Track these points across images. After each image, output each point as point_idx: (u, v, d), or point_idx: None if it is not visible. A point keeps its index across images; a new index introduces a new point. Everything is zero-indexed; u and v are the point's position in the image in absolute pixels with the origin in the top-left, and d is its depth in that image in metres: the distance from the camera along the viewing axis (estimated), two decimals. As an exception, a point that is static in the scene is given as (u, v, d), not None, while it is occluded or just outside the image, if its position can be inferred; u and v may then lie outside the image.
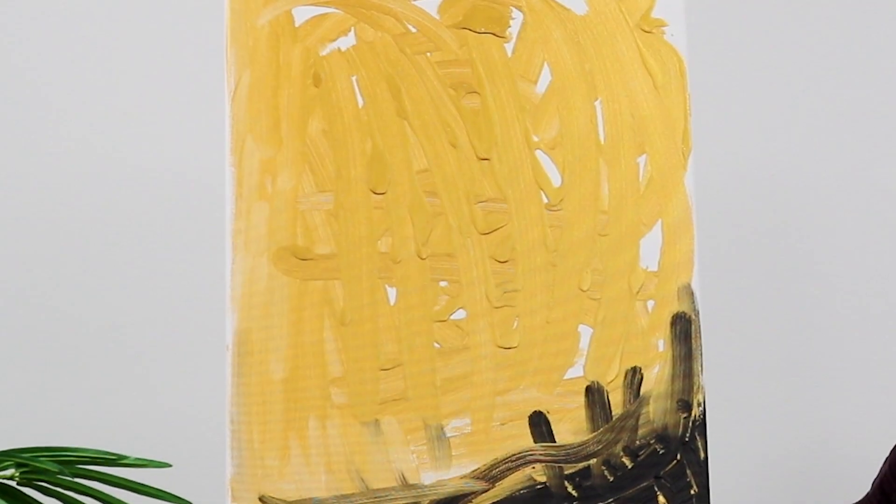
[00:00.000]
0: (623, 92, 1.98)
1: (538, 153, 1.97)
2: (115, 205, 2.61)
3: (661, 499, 1.93)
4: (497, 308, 1.95)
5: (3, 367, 2.59)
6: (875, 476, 2.08)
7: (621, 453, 1.93)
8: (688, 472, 1.93)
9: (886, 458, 2.06)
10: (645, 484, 1.93)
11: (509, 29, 1.98)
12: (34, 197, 2.59)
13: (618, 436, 1.94)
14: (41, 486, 1.87)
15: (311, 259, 1.93)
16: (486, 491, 1.92)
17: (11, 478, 1.86)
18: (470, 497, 1.92)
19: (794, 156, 2.70)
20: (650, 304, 1.96)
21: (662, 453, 1.93)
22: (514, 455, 1.93)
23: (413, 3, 1.97)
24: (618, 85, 1.98)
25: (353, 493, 1.91)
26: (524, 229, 1.96)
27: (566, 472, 1.93)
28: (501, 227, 1.96)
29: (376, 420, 1.92)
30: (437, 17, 1.97)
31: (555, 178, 1.96)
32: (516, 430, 1.93)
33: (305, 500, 1.90)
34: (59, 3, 2.62)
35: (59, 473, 1.85)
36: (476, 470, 1.92)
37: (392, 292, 1.94)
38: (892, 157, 2.73)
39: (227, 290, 1.92)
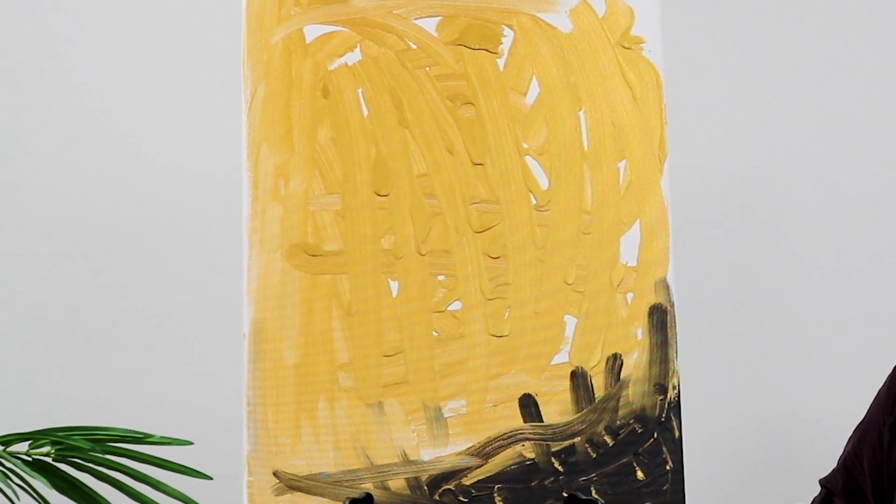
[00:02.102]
0: (605, 103, 2.00)
1: (527, 159, 2.00)
2: (143, 206, 2.63)
3: (640, 473, 1.96)
4: (490, 300, 1.98)
5: (40, 354, 2.60)
6: (840, 455, 2.02)
7: (603, 432, 1.97)
8: (664, 449, 1.96)
9: (850, 438, 2.01)
10: (625, 460, 1.96)
11: (501, 45, 2.01)
12: (73, 196, 2.62)
13: (600, 416, 1.97)
14: (75, 461, 1.91)
15: (321, 255, 1.97)
16: (479, 466, 1.96)
17: (48, 454, 1.90)
18: (465, 472, 1.96)
19: (761, 161, 2.68)
20: (629, 296, 1.99)
21: (641, 432, 1.97)
22: (506, 434, 1.97)
23: (413, 21, 2.01)
24: (600, 96, 2.00)
25: (358, 469, 1.95)
26: (515, 228, 2.00)
27: (553, 450, 1.97)
28: (494, 226, 2.00)
29: (380, 402, 1.96)
30: (436, 34, 2.01)
31: (542, 182, 2.00)
32: (507, 412, 1.97)
33: (315, 474, 1.95)
34: (94, 18, 2.64)
35: (90, 450, 1.88)
36: (471, 447, 1.96)
37: (394, 285, 1.98)
38: (851, 159, 2.66)
39: (243, 283, 1.96)
